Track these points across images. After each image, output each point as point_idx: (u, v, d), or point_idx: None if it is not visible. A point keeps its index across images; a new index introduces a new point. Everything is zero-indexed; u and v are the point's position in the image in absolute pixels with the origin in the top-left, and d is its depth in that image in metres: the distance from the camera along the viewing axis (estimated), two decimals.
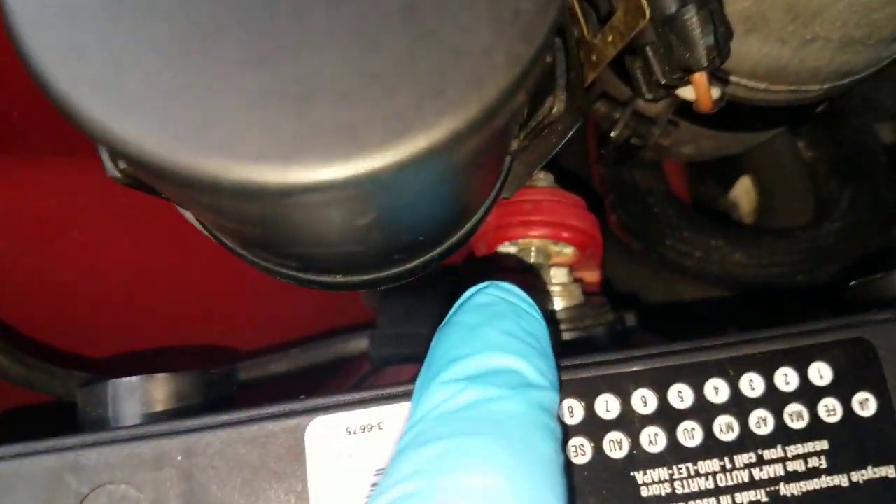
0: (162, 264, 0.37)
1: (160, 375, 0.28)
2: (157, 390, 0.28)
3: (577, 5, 0.32)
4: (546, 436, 0.20)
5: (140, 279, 0.37)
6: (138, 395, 0.27)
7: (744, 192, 0.69)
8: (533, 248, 0.37)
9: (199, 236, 0.35)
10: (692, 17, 0.26)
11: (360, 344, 0.43)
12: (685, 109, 0.40)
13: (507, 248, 0.38)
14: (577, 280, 0.39)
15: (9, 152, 0.36)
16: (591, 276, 0.42)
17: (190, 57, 0.16)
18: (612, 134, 0.40)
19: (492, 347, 0.22)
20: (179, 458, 0.22)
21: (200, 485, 0.22)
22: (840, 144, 0.60)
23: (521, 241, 0.37)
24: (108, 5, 0.16)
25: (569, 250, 0.38)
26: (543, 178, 0.39)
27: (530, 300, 0.25)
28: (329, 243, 0.19)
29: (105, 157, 0.21)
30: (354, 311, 0.48)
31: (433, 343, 0.24)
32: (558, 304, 0.38)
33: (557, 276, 0.38)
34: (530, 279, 0.37)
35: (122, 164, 0.21)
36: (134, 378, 0.27)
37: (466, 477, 0.18)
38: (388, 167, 0.15)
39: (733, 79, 0.37)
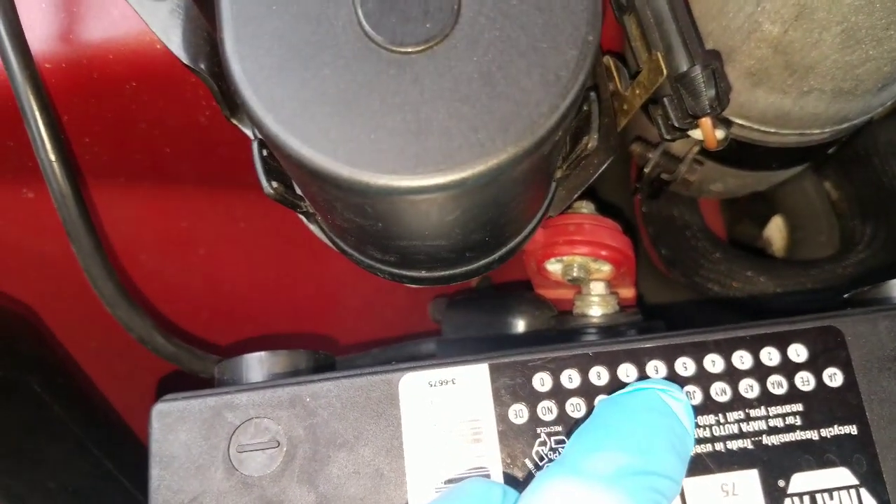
0: (270, 274, 0.46)
1: (281, 351, 0.36)
2: (278, 364, 0.35)
3: (612, 65, 0.40)
4: None
5: (253, 286, 0.46)
6: (266, 366, 0.35)
7: (776, 230, 0.74)
8: (575, 265, 0.44)
9: (300, 250, 0.43)
10: (698, 74, 0.33)
11: (429, 347, 0.51)
12: (709, 151, 0.47)
13: (554, 265, 0.46)
14: (613, 292, 0.46)
15: (155, 183, 0.45)
16: (627, 292, 0.49)
17: (352, 104, 0.24)
18: (645, 170, 0.47)
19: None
20: (308, 399, 0.30)
21: (322, 419, 0.30)
22: (864, 184, 0.64)
23: (565, 258, 0.44)
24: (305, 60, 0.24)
25: (606, 267, 0.45)
26: (585, 207, 0.46)
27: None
28: (424, 236, 0.27)
29: (262, 177, 0.30)
30: (423, 325, 0.56)
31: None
32: (596, 311, 0.45)
33: (596, 289, 0.45)
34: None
35: (275, 184, 0.29)
36: (262, 353, 0.35)
37: None
38: (471, 177, 0.23)
39: (747, 124, 0.44)
